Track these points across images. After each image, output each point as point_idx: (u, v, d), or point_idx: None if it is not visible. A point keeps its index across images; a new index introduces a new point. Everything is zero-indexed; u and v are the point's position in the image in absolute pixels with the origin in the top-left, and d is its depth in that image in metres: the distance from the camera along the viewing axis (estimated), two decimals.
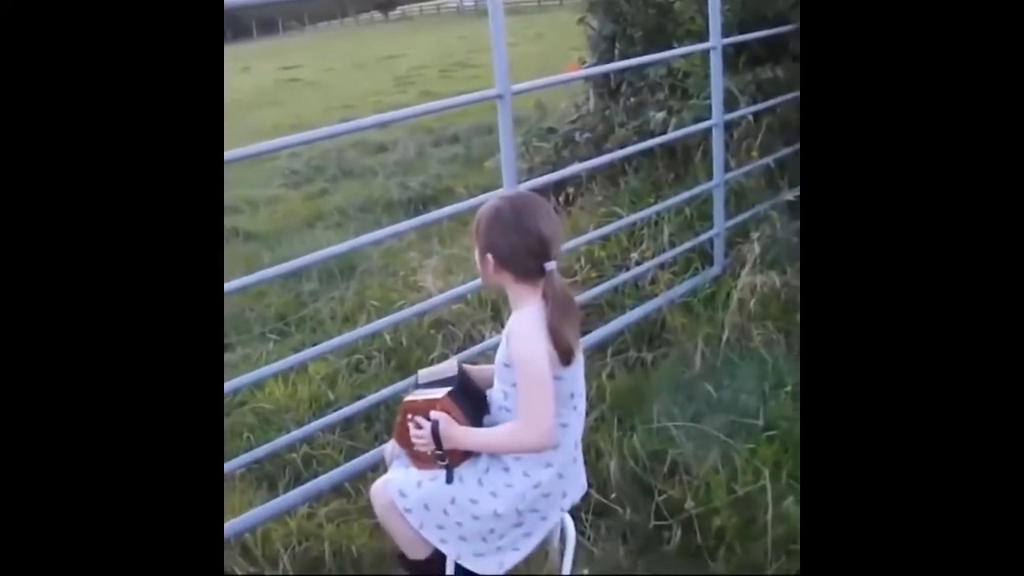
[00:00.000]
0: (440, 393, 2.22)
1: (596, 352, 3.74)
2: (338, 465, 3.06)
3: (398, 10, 66.84)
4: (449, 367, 2.38)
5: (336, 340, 3.20)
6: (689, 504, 2.71)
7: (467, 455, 2.21)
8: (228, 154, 2.44)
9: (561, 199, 5.49)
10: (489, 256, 2.15)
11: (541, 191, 5.40)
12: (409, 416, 2.23)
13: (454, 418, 2.18)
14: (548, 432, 2.09)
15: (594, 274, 4.44)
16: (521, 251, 2.11)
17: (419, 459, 2.24)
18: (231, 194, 7.97)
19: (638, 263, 4.31)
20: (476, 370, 2.41)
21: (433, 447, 2.17)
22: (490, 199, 2.26)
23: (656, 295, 4.12)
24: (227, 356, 4.34)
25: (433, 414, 2.17)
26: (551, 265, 2.10)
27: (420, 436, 2.19)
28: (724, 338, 3.73)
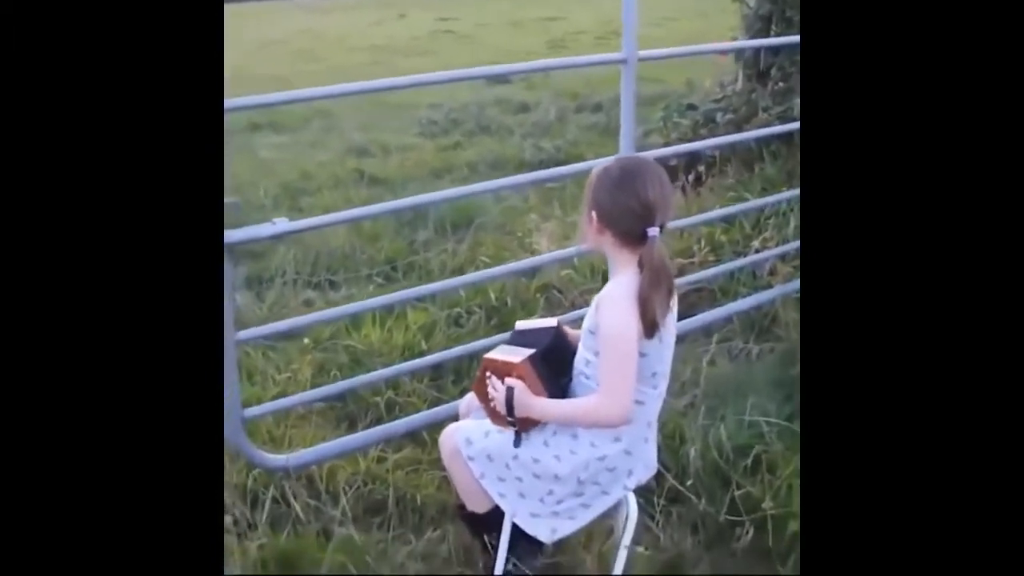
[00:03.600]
0: (519, 357, 2.16)
1: (701, 336, 3.62)
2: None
3: None
4: (548, 322, 2.33)
5: (435, 285, 3.19)
6: (767, 504, 2.59)
7: (539, 421, 2.17)
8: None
9: (691, 178, 5.34)
10: (593, 214, 2.11)
11: (671, 167, 5.32)
12: (488, 373, 2.19)
13: (529, 385, 2.12)
14: (627, 408, 2.03)
15: (712, 257, 4.30)
16: (624, 211, 2.05)
17: (495, 416, 2.22)
18: (365, 136, 8.04)
19: (758, 251, 4.15)
20: (576, 334, 2.33)
21: (505, 412, 2.13)
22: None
23: (772, 287, 3.96)
24: (330, 294, 4.38)
25: (509, 381, 2.13)
26: (653, 231, 2.02)
27: (495, 398, 2.16)
28: None
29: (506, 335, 2.41)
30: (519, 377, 2.13)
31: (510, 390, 2.12)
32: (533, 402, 2.11)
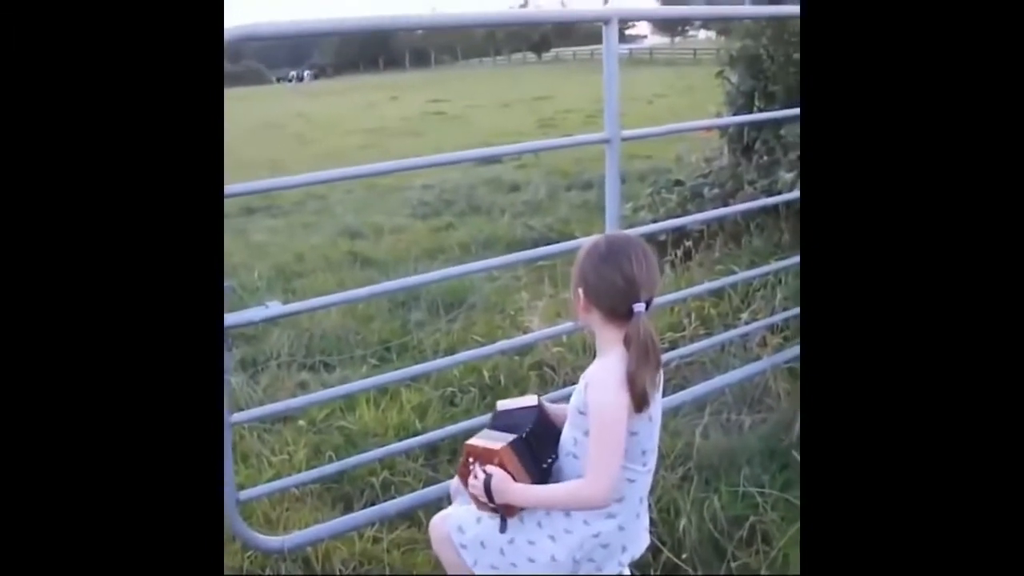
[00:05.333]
0: (500, 444, 2.14)
1: (694, 409, 3.63)
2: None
3: (552, 52, 67.91)
4: (530, 401, 2.32)
5: (428, 365, 3.21)
6: (764, 574, 2.59)
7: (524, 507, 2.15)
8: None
9: (680, 253, 5.41)
10: (580, 290, 2.11)
11: (660, 242, 5.39)
12: (471, 459, 2.18)
13: (512, 471, 2.10)
14: (611, 489, 2.03)
15: (702, 331, 4.34)
16: (609, 287, 2.05)
17: (478, 502, 2.18)
18: (358, 218, 8.13)
19: (748, 323, 4.19)
20: (558, 408, 2.34)
21: (485, 499, 2.12)
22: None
23: (763, 358, 3.99)
24: (324, 375, 4.41)
25: (488, 468, 2.11)
26: (639, 307, 2.03)
27: (475, 485, 2.14)
28: None
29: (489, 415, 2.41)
30: (500, 464, 2.10)
31: (488, 477, 2.10)
32: (513, 488, 2.09)
